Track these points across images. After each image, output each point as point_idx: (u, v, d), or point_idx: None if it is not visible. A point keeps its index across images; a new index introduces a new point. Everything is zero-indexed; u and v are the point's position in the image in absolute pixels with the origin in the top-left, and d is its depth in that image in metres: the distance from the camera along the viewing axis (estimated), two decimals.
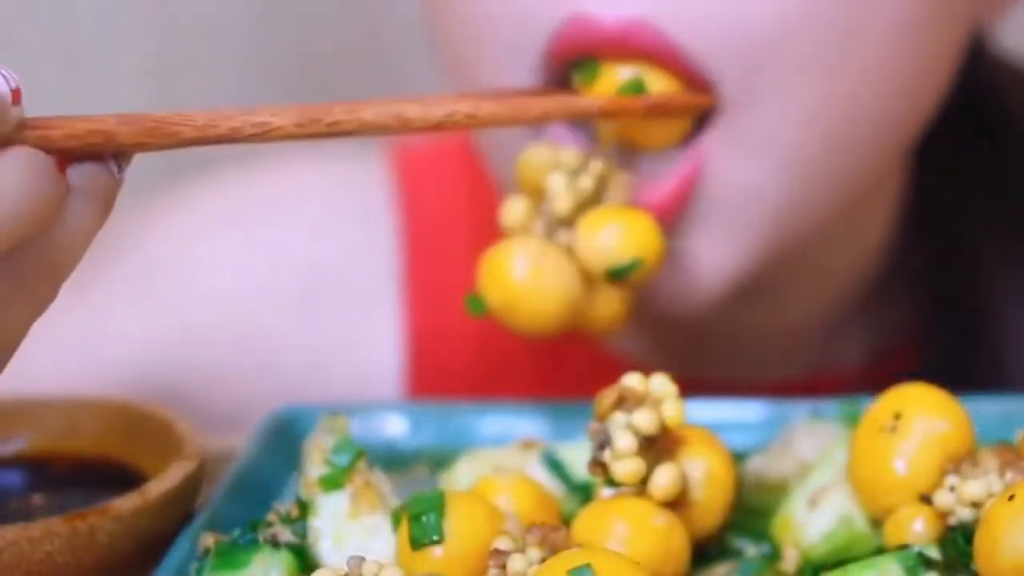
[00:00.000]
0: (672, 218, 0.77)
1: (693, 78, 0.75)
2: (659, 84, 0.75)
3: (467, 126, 0.70)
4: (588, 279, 0.73)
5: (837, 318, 0.93)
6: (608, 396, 0.63)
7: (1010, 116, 0.96)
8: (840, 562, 0.63)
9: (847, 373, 0.93)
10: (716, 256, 0.78)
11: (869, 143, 0.80)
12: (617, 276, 0.73)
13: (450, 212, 0.96)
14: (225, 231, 0.95)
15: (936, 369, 0.91)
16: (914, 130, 0.83)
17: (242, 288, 0.95)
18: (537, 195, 0.74)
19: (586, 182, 0.73)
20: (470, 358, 0.94)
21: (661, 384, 0.64)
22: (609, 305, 0.74)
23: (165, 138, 0.59)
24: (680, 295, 0.79)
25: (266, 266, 0.95)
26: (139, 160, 0.62)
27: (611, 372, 0.84)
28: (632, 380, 0.64)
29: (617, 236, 0.73)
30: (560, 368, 0.93)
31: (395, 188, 0.97)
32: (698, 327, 0.86)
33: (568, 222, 0.73)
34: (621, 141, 0.77)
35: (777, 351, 0.93)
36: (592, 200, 0.74)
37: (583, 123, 0.77)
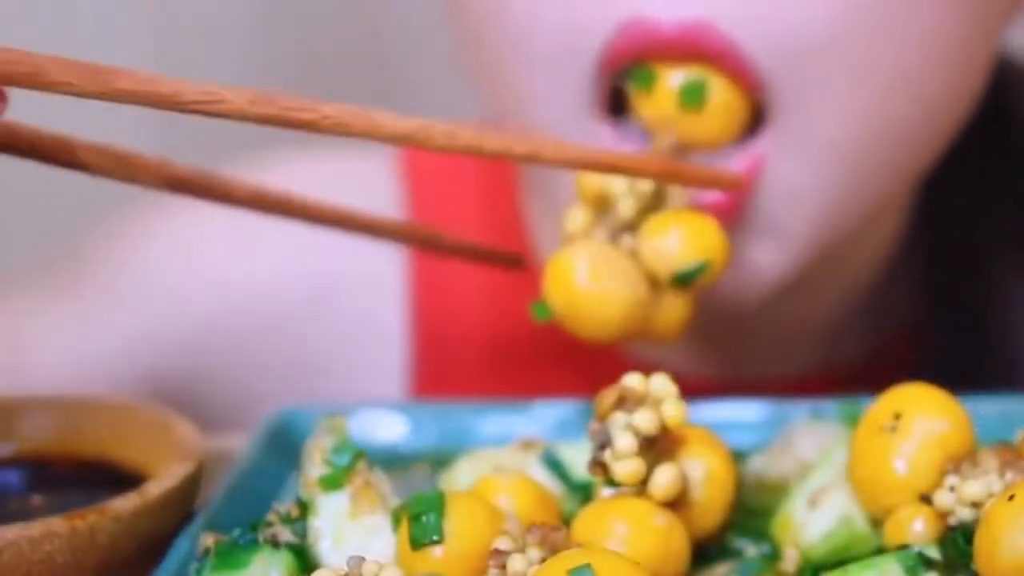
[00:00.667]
0: (734, 217, 0.77)
1: (748, 80, 0.75)
2: (716, 87, 0.75)
3: (443, 149, 0.66)
4: (653, 284, 0.73)
5: (847, 311, 0.93)
6: (608, 396, 0.63)
7: (1020, 118, 0.96)
8: (840, 562, 0.63)
9: (850, 370, 0.93)
10: (770, 254, 0.79)
11: (911, 143, 0.81)
12: (683, 281, 0.72)
13: (460, 209, 0.96)
14: (227, 230, 0.95)
15: (936, 368, 0.91)
16: (952, 130, 0.84)
17: (243, 287, 0.95)
18: (595, 203, 0.74)
19: (646, 185, 0.73)
20: (478, 358, 0.94)
21: (661, 384, 0.64)
22: (673, 310, 0.74)
23: (98, 84, 0.58)
24: (735, 294, 0.79)
25: (268, 264, 0.95)
26: None
27: (624, 372, 0.84)
28: (632, 380, 0.64)
29: (683, 240, 0.72)
30: (569, 368, 0.93)
31: (403, 184, 0.96)
32: (731, 324, 0.86)
33: (631, 226, 0.73)
34: (676, 141, 0.77)
35: (798, 346, 0.93)
36: (653, 203, 0.73)
37: (634, 121, 0.77)
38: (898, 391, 0.65)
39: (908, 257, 0.95)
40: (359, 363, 0.95)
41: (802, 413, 0.74)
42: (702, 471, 0.65)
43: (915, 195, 0.93)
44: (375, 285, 0.95)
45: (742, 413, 0.75)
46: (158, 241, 0.95)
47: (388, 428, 0.77)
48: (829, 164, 0.78)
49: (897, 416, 0.64)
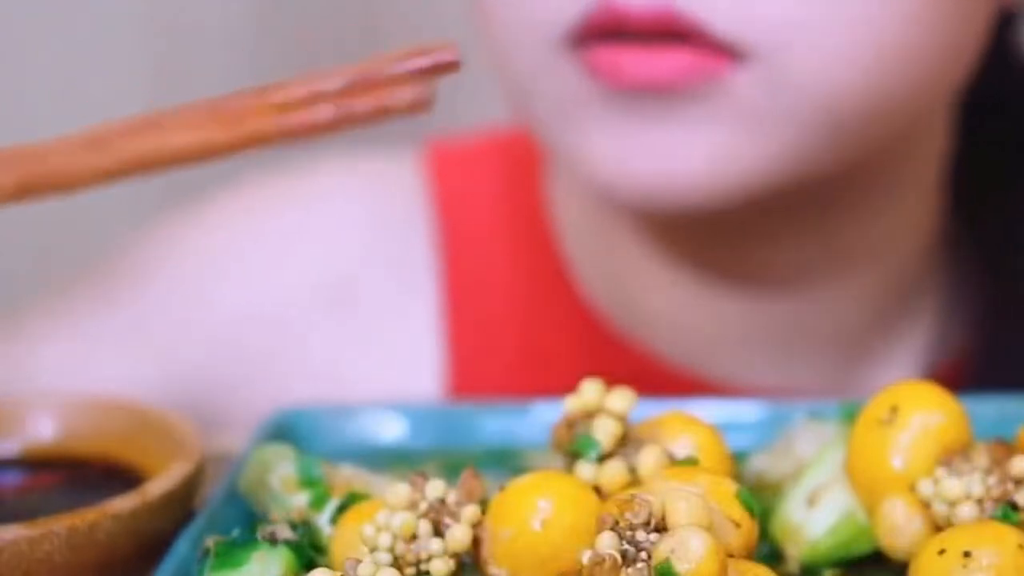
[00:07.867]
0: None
1: (723, 51, 0.77)
2: None
3: None
4: None
5: (881, 315, 0.92)
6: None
7: None
8: (841, 561, 0.63)
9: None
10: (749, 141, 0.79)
11: (903, 88, 0.81)
12: None
13: (489, 207, 0.95)
14: (255, 240, 0.95)
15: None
16: (950, 84, 0.84)
17: (275, 291, 0.94)
18: None
19: None
20: (511, 357, 0.94)
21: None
22: None
23: None
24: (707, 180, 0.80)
25: (298, 270, 0.95)
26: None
27: (658, 374, 0.84)
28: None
29: None
30: (603, 367, 0.92)
31: (429, 184, 0.96)
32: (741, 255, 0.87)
33: None
34: None
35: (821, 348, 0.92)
36: None
37: None
38: (895, 387, 0.65)
39: (953, 265, 0.93)
40: (393, 365, 0.94)
41: (802, 413, 0.74)
42: (691, 446, 0.64)
43: (951, 195, 0.92)
44: (407, 286, 0.95)
45: (742, 413, 0.75)
46: (187, 252, 0.95)
47: (388, 428, 0.77)
48: (809, 100, 0.79)
49: (894, 411, 0.64)
